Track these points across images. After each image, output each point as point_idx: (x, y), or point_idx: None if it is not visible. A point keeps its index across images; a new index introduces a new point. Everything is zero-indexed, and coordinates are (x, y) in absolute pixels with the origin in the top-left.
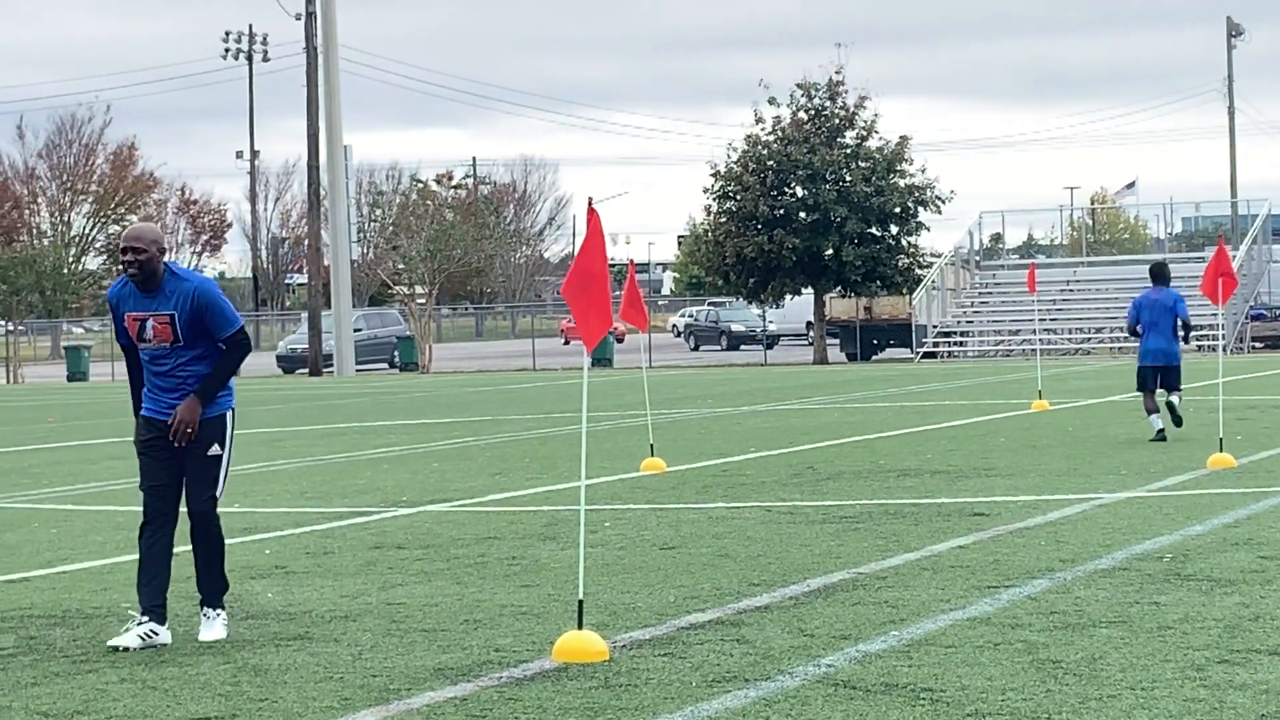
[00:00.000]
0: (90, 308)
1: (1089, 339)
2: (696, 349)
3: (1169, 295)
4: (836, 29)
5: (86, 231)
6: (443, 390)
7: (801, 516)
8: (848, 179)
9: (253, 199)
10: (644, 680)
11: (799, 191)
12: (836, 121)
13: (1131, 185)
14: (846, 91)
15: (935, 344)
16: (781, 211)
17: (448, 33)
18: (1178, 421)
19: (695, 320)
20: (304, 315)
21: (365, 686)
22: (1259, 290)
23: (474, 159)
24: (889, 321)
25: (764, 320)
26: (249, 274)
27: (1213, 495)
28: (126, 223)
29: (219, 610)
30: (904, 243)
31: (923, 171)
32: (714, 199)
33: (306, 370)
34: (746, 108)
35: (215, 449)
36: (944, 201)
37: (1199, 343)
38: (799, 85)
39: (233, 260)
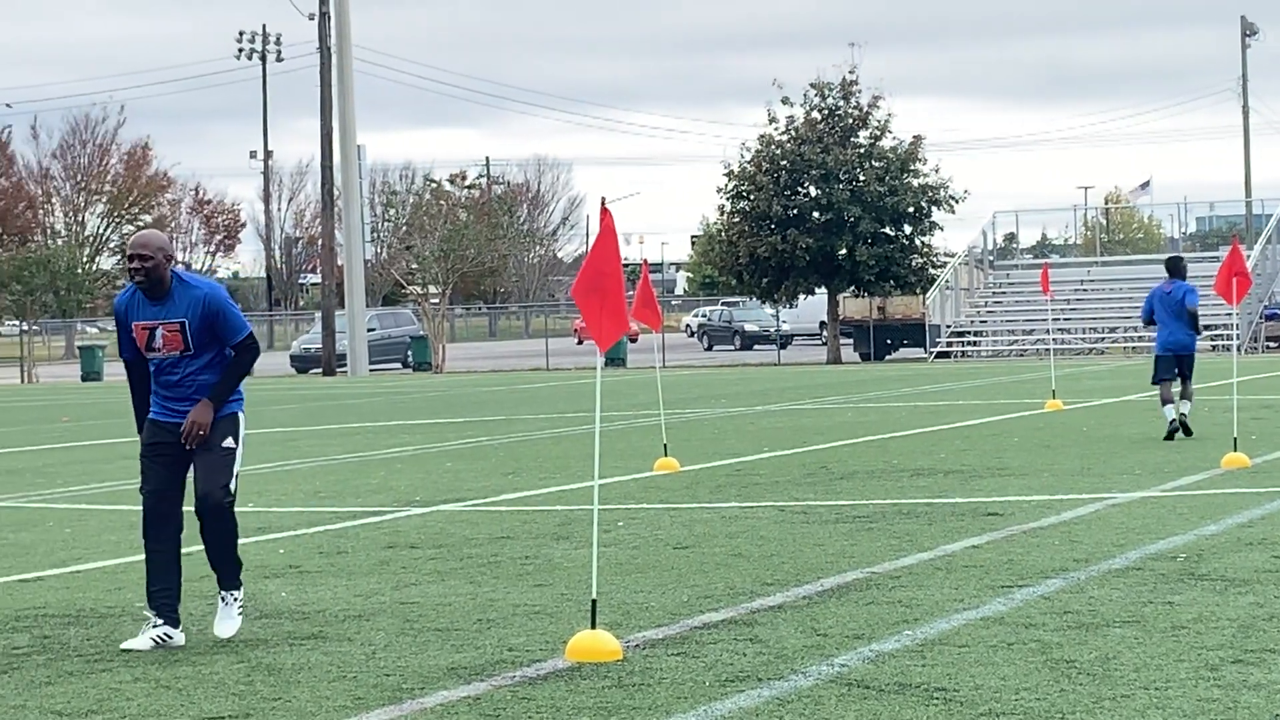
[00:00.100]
0: (104, 308)
1: (1103, 339)
2: (710, 349)
3: (1180, 287)
4: (850, 28)
5: (100, 231)
6: (456, 390)
7: (815, 516)
8: (861, 179)
9: (266, 199)
10: (657, 680)
11: (812, 191)
12: (850, 121)
13: (1146, 185)
14: (860, 91)
15: (949, 344)
16: (795, 211)
17: (461, 32)
18: (1187, 431)
19: (709, 320)
20: (318, 315)
21: (379, 686)
22: (1273, 290)
23: (487, 159)
24: (903, 321)
25: (777, 320)
26: (263, 274)
27: (1227, 495)
28: (140, 223)
29: (237, 594)
30: (918, 242)
31: (936, 171)
32: (727, 199)
33: (320, 370)
34: (760, 107)
35: (228, 442)
36: (958, 201)
37: (1213, 342)
38: (812, 85)
39: (246, 260)
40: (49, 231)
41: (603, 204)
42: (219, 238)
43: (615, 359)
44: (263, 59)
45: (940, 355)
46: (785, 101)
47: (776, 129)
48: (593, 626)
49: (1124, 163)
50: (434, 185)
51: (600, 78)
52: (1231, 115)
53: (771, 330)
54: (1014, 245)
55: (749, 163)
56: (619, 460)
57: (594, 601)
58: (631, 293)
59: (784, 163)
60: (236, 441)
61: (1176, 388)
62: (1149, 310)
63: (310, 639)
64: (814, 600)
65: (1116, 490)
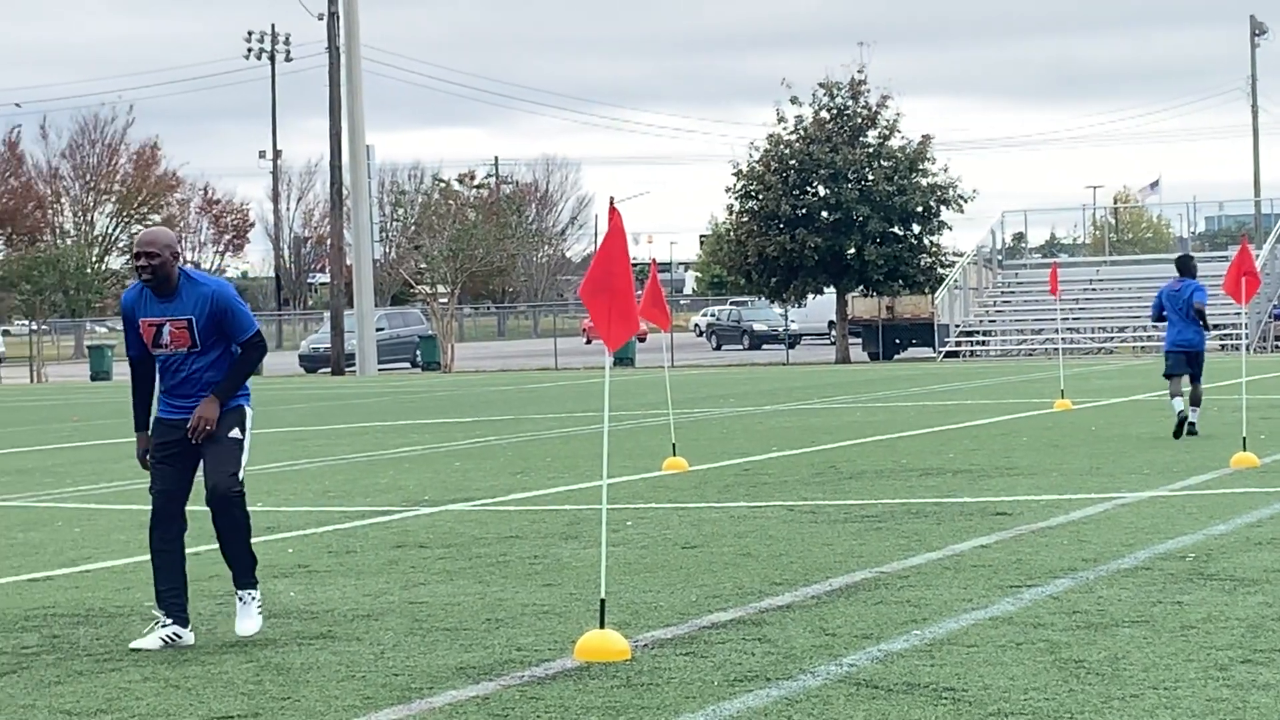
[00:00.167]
0: (113, 307)
1: (1111, 338)
2: (718, 348)
3: (1189, 286)
4: (858, 28)
5: (109, 231)
6: (465, 389)
7: (824, 516)
8: (870, 178)
9: (275, 199)
10: (666, 679)
11: (821, 191)
12: (859, 120)
13: (1155, 184)
14: (869, 90)
15: (958, 343)
16: (804, 211)
17: (469, 32)
18: (1193, 431)
19: (717, 319)
20: (326, 315)
21: (387, 685)
22: None
23: (496, 158)
24: (911, 321)
25: (786, 319)
26: (271, 274)
27: (1236, 494)
28: (149, 222)
29: (254, 592)
30: (926, 242)
31: (945, 171)
32: (736, 198)
33: (329, 370)
34: (769, 107)
35: (235, 433)
36: (966, 201)
37: (1222, 341)
38: (821, 84)
39: (255, 260)
40: (58, 231)
41: (611, 203)
42: (228, 237)
43: (624, 359)
44: (271, 59)
45: (949, 355)
46: (794, 101)
47: (785, 128)
48: (601, 626)
49: (1133, 162)
50: (442, 185)
51: (609, 77)
52: (1240, 114)
53: (780, 330)
54: (1023, 245)
55: (758, 162)
56: (627, 460)
57: (602, 601)
58: (640, 292)
59: (793, 162)
60: (243, 432)
61: (1186, 387)
62: (1158, 308)
63: (319, 638)
64: (822, 600)
65: (1125, 490)
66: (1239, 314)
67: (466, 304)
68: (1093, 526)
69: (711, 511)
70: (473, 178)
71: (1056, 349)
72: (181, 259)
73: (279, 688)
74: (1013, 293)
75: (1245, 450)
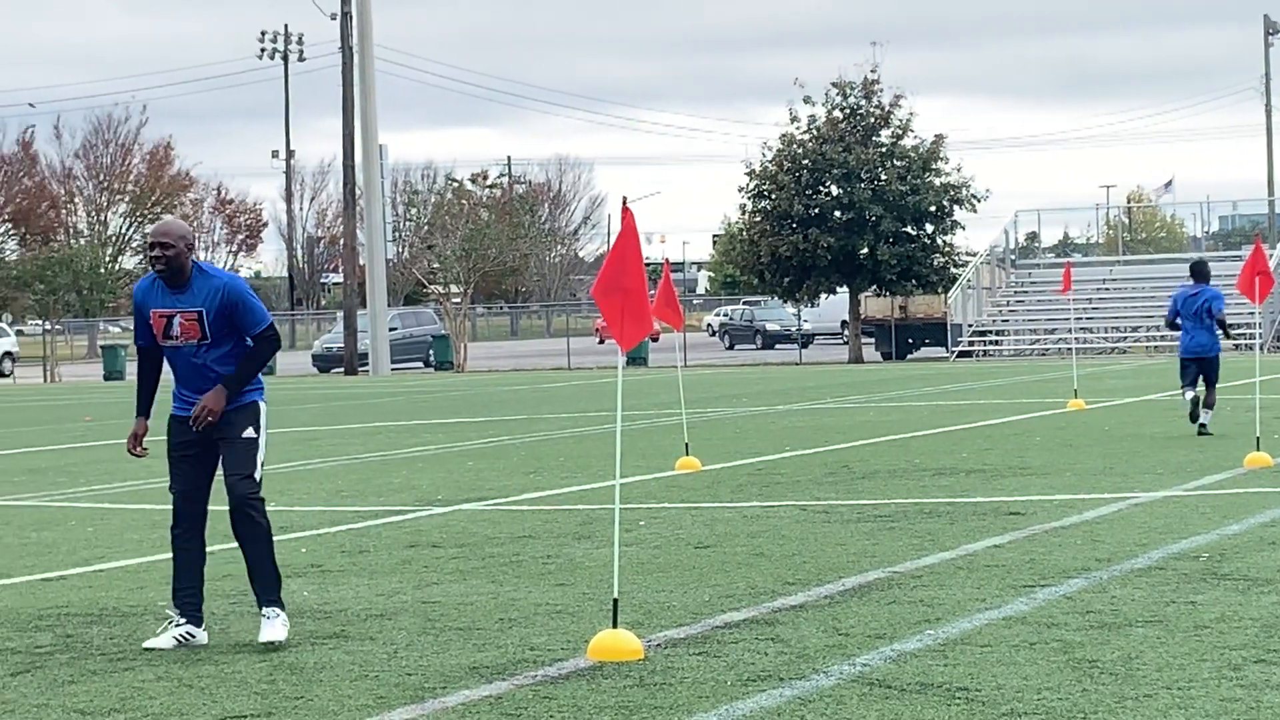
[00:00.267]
0: (126, 307)
1: (1125, 338)
2: (731, 348)
3: (1207, 292)
4: (871, 28)
5: (123, 231)
6: (477, 389)
7: (836, 515)
8: (883, 178)
9: (288, 198)
10: (679, 679)
11: (834, 190)
12: (872, 120)
13: (1169, 185)
14: (882, 90)
15: (970, 343)
16: (816, 210)
17: (482, 32)
18: (1206, 433)
19: (730, 319)
20: (339, 314)
21: (401, 685)
22: None
23: (509, 158)
24: (924, 320)
25: (799, 319)
26: (284, 273)
27: (1250, 494)
28: None
29: (278, 609)
30: (939, 241)
31: (958, 170)
32: (749, 198)
33: (342, 369)
34: (781, 107)
35: (249, 432)
36: (979, 200)
37: (1236, 341)
38: (834, 84)
39: (268, 260)
40: (72, 231)
41: (624, 203)
42: (241, 237)
43: (637, 358)
44: (284, 59)
45: (962, 355)
46: (807, 101)
47: (798, 128)
48: (614, 626)
49: (1146, 162)
50: (455, 185)
51: (621, 77)
52: (1254, 114)
53: (793, 329)
54: (1036, 244)
55: (770, 162)
56: (640, 459)
57: (615, 601)
58: (653, 292)
59: (805, 162)
60: (257, 430)
61: (1201, 386)
62: (1173, 313)
63: (332, 638)
64: (836, 600)
65: (1139, 489)
66: (1253, 313)
67: (479, 304)
68: (1106, 526)
69: (724, 511)
70: (485, 177)
71: (1070, 349)
72: (195, 253)
73: (292, 687)
74: (1026, 292)
75: (1259, 450)
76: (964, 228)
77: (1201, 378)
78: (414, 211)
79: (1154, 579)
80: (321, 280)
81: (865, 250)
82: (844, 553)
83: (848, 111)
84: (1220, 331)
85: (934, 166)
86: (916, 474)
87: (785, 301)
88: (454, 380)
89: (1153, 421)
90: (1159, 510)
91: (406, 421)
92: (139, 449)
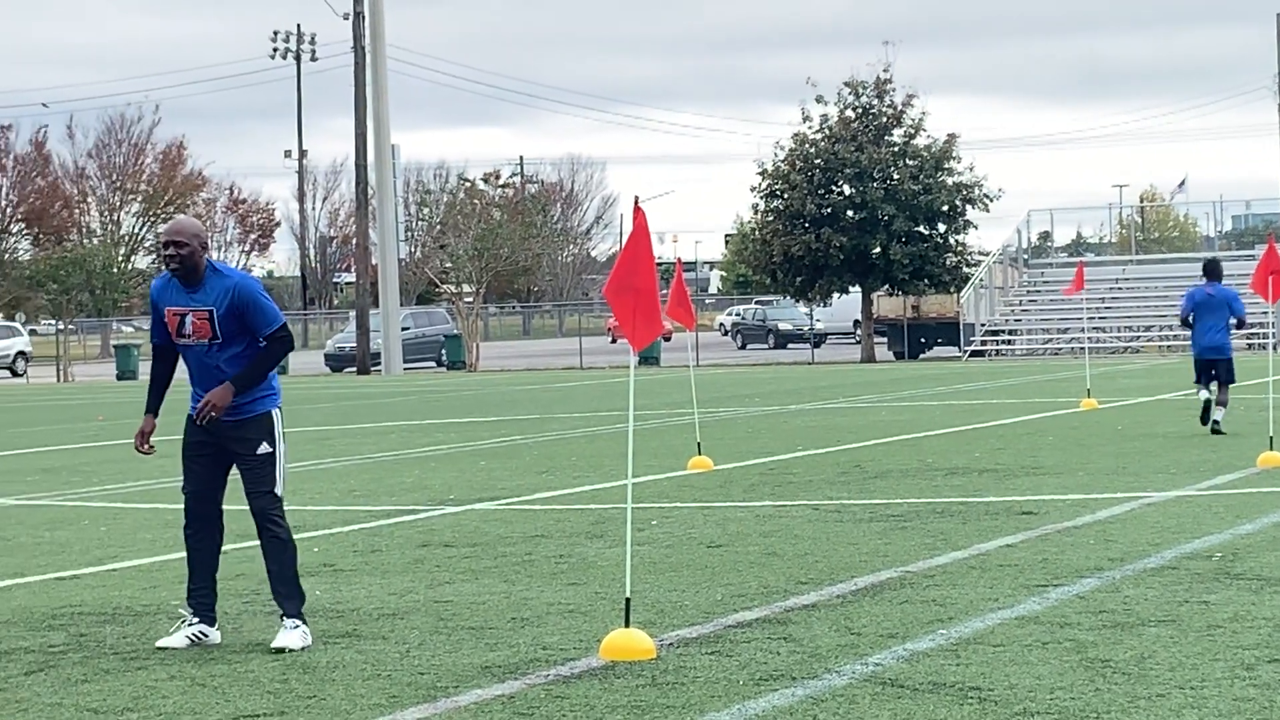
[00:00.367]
0: (140, 306)
1: (1138, 337)
2: (744, 347)
3: (1223, 292)
4: (883, 27)
5: (136, 231)
6: (490, 389)
7: (849, 515)
8: (895, 177)
9: (301, 198)
10: (691, 678)
11: (846, 190)
12: (884, 120)
13: (1182, 185)
14: (894, 89)
15: (983, 342)
16: (829, 210)
17: (494, 32)
18: (1219, 431)
19: (742, 319)
20: (352, 314)
21: (413, 684)
22: None
23: (521, 158)
24: (937, 320)
25: (811, 319)
26: (297, 273)
27: (1263, 494)
28: None
29: (299, 621)
30: (952, 241)
31: (970, 169)
32: (761, 197)
33: (354, 369)
34: (793, 106)
35: (264, 448)
36: (992, 199)
37: (1249, 340)
38: (846, 83)
39: (281, 259)
40: (85, 231)
41: (636, 203)
42: (254, 237)
43: (649, 358)
44: (297, 59)
45: (974, 354)
46: (819, 100)
47: (810, 128)
48: (626, 625)
49: (1158, 161)
50: (468, 184)
51: (633, 76)
52: (1267, 113)
53: (805, 329)
54: (1049, 244)
55: (783, 161)
56: (653, 459)
57: (628, 600)
58: (665, 291)
59: (818, 161)
60: (272, 444)
61: (1214, 385)
62: (1188, 311)
63: (345, 637)
64: (848, 599)
65: (1151, 489)
66: (1266, 312)
67: (492, 303)
68: (1119, 526)
69: (736, 511)
70: (498, 177)
71: (1082, 348)
72: (209, 252)
73: (305, 686)
74: (1039, 292)
75: (1272, 449)
76: (976, 227)
77: (1215, 375)
78: (426, 211)
79: (1167, 579)
80: (334, 280)
81: (877, 250)
82: (856, 552)
83: (860, 111)
84: (1236, 327)
85: (946, 166)
86: (929, 473)
87: (797, 301)
88: (466, 380)
89: (1165, 421)
90: (1172, 510)
91: (419, 421)
92: (146, 446)
